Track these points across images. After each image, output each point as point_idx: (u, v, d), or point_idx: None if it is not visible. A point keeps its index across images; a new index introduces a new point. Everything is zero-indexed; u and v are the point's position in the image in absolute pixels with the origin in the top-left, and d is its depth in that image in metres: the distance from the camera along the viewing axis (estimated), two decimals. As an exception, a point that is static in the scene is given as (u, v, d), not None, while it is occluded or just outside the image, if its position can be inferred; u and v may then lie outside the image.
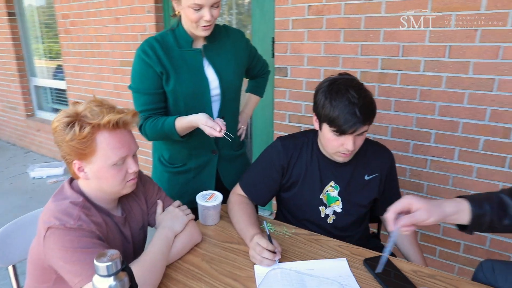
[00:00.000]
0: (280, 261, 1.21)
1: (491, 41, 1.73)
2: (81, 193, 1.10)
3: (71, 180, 1.14)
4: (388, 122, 2.10)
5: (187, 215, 1.31)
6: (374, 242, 1.61)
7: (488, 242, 1.95)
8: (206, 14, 1.34)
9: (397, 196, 1.52)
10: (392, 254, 1.45)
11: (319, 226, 1.50)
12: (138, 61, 1.47)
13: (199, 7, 1.33)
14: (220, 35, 1.51)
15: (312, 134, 1.51)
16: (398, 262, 1.24)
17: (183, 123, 1.44)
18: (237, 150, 1.75)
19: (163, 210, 1.32)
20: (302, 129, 2.43)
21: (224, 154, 1.65)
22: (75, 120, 1.01)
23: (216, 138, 1.59)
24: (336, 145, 1.31)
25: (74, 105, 1.06)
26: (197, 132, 1.54)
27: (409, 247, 1.44)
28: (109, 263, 0.70)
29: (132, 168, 1.11)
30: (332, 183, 1.45)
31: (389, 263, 1.23)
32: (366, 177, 1.45)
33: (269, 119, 2.67)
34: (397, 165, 2.04)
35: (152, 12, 3.04)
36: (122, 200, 1.22)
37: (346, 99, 1.25)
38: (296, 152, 1.48)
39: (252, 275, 1.18)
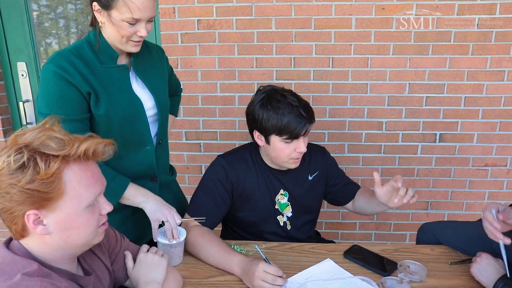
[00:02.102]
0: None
1: (362, 53, 2.13)
2: (30, 256, 0.80)
3: (8, 242, 0.83)
4: (287, 128, 2.28)
5: (162, 256, 1.10)
6: (318, 238, 1.72)
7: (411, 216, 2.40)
8: (141, 29, 1.19)
9: (349, 180, 1.62)
10: (331, 241, 1.60)
11: (280, 235, 1.51)
12: (54, 80, 1.15)
13: (135, 22, 1.16)
14: (142, 50, 1.34)
15: (251, 148, 1.50)
16: (367, 247, 1.38)
17: (135, 195, 1.27)
18: (171, 175, 1.57)
19: (134, 262, 1.06)
20: (202, 146, 2.36)
21: (162, 181, 1.45)
22: (32, 154, 0.73)
23: (158, 162, 1.39)
24: (289, 152, 1.34)
25: (17, 136, 0.76)
26: (137, 159, 1.31)
27: (370, 202, 1.52)
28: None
29: (106, 208, 0.87)
30: (281, 191, 1.49)
31: (362, 249, 1.36)
32: (310, 177, 1.54)
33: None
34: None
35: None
36: (78, 259, 0.93)
37: (288, 104, 1.30)
38: (243, 167, 1.45)
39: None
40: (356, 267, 1.27)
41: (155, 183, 1.42)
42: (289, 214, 1.50)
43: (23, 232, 0.79)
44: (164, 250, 1.25)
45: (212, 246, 1.27)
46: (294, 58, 2.17)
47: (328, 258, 1.31)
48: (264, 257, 1.17)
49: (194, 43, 2.19)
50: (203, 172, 2.42)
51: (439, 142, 2.25)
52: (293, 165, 1.40)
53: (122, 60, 1.30)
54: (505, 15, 2.02)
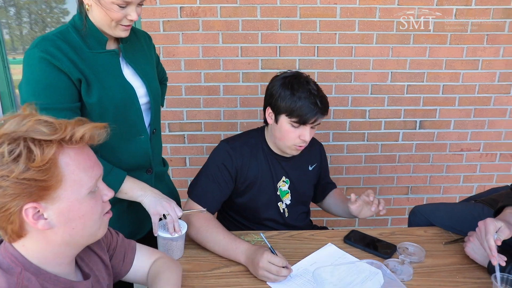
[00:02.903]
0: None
1: (346, 42, 2.15)
2: (23, 261, 0.72)
3: None
4: (273, 117, 2.27)
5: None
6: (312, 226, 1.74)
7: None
8: (132, 12, 1.13)
9: (330, 181, 1.69)
10: (325, 227, 1.63)
11: (279, 222, 1.51)
12: (40, 67, 1.07)
13: (126, 4, 1.11)
14: (129, 36, 1.28)
15: (256, 134, 1.49)
16: (366, 232, 1.41)
17: (133, 188, 1.22)
18: (164, 165, 1.52)
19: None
20: (186, 137, 2.30)
21: (157, 172, 1.40)
22: (22, 141, 0.66)
23: (153, 152, 1.34)
24: (293, 137, 1.35)
25: (19, 117, 0.69)
26: (132, 149, 1.26)
27: (338, 205, 1.60)
28: None
29: (107, 194, 0.81)
30: (283, 177, 1.49)
31: (360, 234, 1.39)
32: (310, 168, 1.55)
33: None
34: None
35: None
36: (76, 260, 0.86)
37: (307, 90, 1.31)
38: (248, 153, 1.43)
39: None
40: (357, 251, 1.29)
41: (151, 175, 1.37)
42: (288, 202, 1.50)
43: (20, 231, 0.71)
44: (165, 244, 1.21)
45: (218, 233, 1.25)
46: (279, 47, 2.16)
47: (330, 243, 1.33)
48: (270, 246, 1.16)
49: (177, 31, 2.12)
50: (188, 164, 2.39)
51: (419, 129, 2.33)
52: (294, 152, 1.41)
53: (111, 46, 1.23)
54: (480, 6, 2.11)
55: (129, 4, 1.11)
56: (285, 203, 1.51)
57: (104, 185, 0.82)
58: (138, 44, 1.34)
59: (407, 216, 2.45)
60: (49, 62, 1.07)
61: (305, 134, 1.34)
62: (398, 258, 1.21)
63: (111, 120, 1.19)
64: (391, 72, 2.22)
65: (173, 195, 1.49)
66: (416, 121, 2.31)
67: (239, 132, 2.25)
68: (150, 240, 1.28)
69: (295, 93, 1.30)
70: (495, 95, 2.29)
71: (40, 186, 0.67)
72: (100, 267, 0.93)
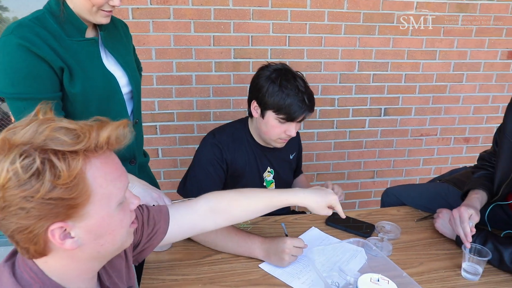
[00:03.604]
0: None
1: (316, 32, 2.21)
2: (43, 277, 0.66)
3: (12, 265, 0.67)
4: (246, 106, 2.29)
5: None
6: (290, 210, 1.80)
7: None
8: None
9: (300, 168, 1.76)
10: (303, 212, 1.71)
11: None
12: (19, 54, 1.02)
13: None
14: (107, 23, 1.24)
15: (240, 126, 1.50)
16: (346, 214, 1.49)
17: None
18: (145, 156, 1.50)
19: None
20: (158, 128, 2.26)
21: (140, 163, 1.38)
22: (41, 154, 0.57)
23: (136, 143, 1.32)
24: (279, 132, 1.36)
25: (5, 136, 0.58)
26: None
27: None
28: None
29: (134, 202, 0.75)
30: (268, 168, 1.52)
31: (339, 217, 1.46)
32: (291, 157, 1.60)
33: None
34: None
35: None
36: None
37: (295, 87, 1.31)
38: (235, 145, 1.45)
39: (263, 272, 1.14)
40: (338, 232, 1.37)
41: (134, 165, 1.35)
42: None
43: (44, 251, 0.64)
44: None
45: (229, 232, 1.21)
46: (251, 36, 2.17)
47: (313, 227, 1.39)
48: (286, 233, 1.19)
49: (147, 19, 2.06)
50: (160, 155, 2.35)
51: (383, 116, 2.46)
52: (279, 145, 1.43)
53: (89, 34, 1.19)
54: (437, 0, 2.26)
55: None
56: None
57: (131, 193, 0.75)
58: (116, 33, 1.30)
59: (373, 199, 2.62)
60: (28, 49, 1.01)
61: (291, 129, 1.36)
62: (377, 236, 1.30)
63: (95, 111, 1.16)
64: (358, 62, 2.32)
65: (155, 185, 1.48)
66: (381, 108, 2.44)
67: (214, 122, 2.26)
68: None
69: (283, 90, 1.29)
70: (450, 84, 2.47)
71: (68, 205, 0.60)
72: (120, 268, 0.86)
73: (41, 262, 0.66)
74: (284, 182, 1.58)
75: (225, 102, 2.27)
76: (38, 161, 0.56)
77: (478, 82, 2.50)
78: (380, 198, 1.70)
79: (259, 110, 1.38)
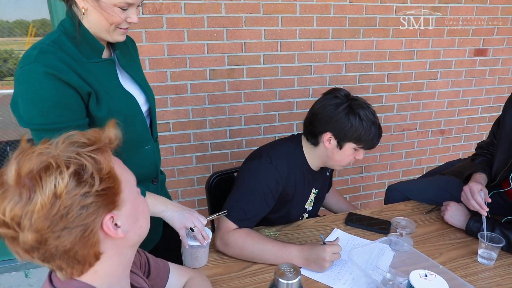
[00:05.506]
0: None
1: (306, 37, 2.28)
2: None
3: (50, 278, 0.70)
4: (241, 112, 2.32)
5: None
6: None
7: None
8: (132, 15, 1.08)
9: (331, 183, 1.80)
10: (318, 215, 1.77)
11: None
12: (47, 83, 0.98)
13: (127, 6, 1.05)
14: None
15: (294, 145, 1.44)
16: (359, 212, 1.58)
17: (155, 204, 1.18)
18: (162, 173, 1.48)
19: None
20: (154, 139, 2.22)
21: (160, 180, 1.37)
22: (81, 158, 0.63)
23: (158, 160, 1.31)
24: (351, 159, 1.38)
25: (47, 145, 0.65)
26: (140, 161, 1.23)
27: (340, 203, 1.79)
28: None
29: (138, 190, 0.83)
30: (313, 190, 1.52)
31: (357, 215, 1.55)
32: (327, 173, 1.61)
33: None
34: (250, 148, 2.34)
35: None
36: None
37: (371, 117, 1.31)
38: (290, 170, 1.39)
39: (305, 277, 1.20)
40: (359, 231, 1.45)
41: (156, 185, 1.33)
42: (310, 208, 1.56)
43: (98, 253, 0.67)
44: (193, 253, 1.22)
45: (264, 244, 1.24)
46: (245, 43, 2.20)
47: (335, 228, 1.46)
48: (324, 241, 1.22)
49: (140, 29, 2.02)
50: (157, 166, 2.31)
51: (369, 114, 2.60)
52: (340, 168, 1.45)
53: (104, 54, 1.16)
54: (414, 4, 2.42)
55: (130, 5, 1.05)
56: (308, 210, 1.56)
57: None
58: (126, 50, 1.27)
59: (362, 193, 2.75)
60: (56, 77, 0.97)
61: (361, 154, 1.37)
62: (396, 232, 1.40)
63: (122, 132, 1.14)
64: (345, 64, 2.42)
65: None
66: (367, 107, 2.57)
67: (210, 130, 2.26)
68: (166, 247, 1.28)
69: (364, 124, 1.28)
70: (427, 81, 2.66)
71: (113, 193, 0.67)
72: (141, 281, 0.91)
73: (89, 275, 0.69)
74: (321, 198, 1.61)
75: (220, 109, 2.28)
76: (83, 161, 0.63)
77: (450, 78, 2.71)
78: (368, 192, 1.81)
79: (334, 142, 1.33)
